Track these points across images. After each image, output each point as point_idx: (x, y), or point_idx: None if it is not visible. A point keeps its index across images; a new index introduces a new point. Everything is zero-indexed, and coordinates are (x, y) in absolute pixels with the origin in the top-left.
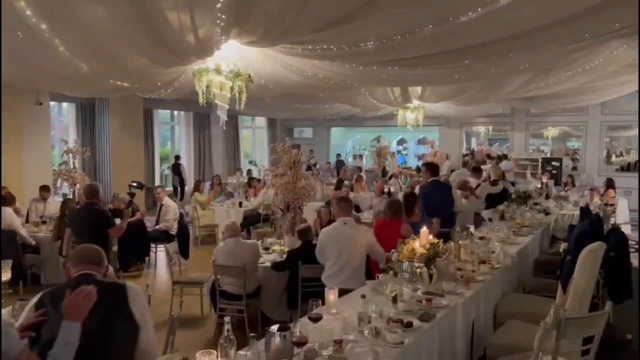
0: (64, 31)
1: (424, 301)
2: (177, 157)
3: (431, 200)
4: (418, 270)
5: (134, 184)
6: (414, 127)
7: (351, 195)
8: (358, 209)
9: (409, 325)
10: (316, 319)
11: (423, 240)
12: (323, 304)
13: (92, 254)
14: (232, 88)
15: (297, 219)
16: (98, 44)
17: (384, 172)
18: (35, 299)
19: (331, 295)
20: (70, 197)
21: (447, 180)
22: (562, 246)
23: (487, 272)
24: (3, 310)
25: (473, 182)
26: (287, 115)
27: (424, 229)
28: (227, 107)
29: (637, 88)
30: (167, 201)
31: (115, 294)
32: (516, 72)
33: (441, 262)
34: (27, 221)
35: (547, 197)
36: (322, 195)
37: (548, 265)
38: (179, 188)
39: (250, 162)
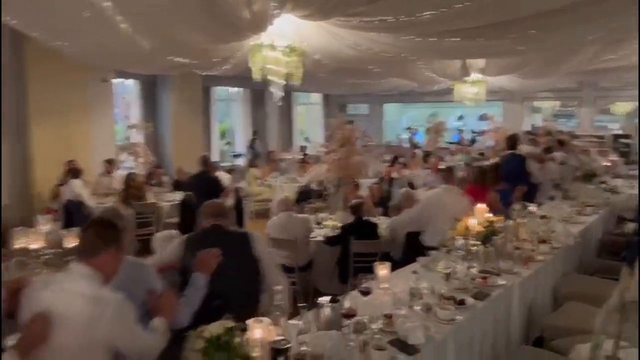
0: (125, 8)
1: (478, 279)
2: (255, 133)
3: (509, 171)
4: (474, 247)
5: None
6: (474, 102)
7: (406, 172)
8: (412, 186)
9: (462, 303)
10: (366, 293)
11: (480, 217)
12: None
13: (219, 208)
14: (286, 64)
15: (352, 195)
16: (157, 21)
17: (438, 150)
18: (181, 239)
19: (382, 270)
20: (134, 171)
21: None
22: (630, 227)
23: (547, 252)
24: None
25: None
26: (342, 91)
27: (480, 205)
28: (281, 83)
29: None
30: (222, 175)
31: (240, 240)
32: (584, 43)
33: (498, 240)
34: (94, 193)
35: (617, 175)
36: (376, 172)
37: (613, 247)
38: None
39: (305, 138)
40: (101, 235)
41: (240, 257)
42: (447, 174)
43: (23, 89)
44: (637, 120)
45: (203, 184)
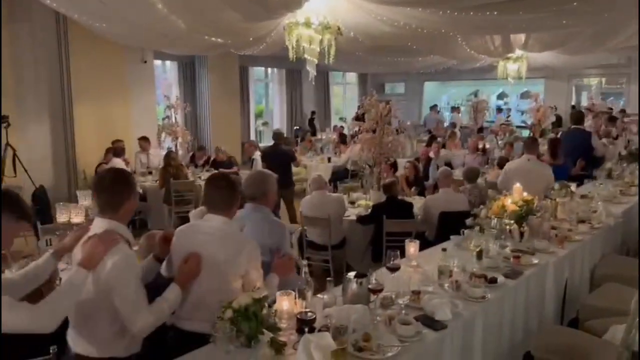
0: None
1: (511, 258)
2: (313, 112)
3: (573, 146)
4: (508, 227)
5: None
6: (515, 80)
7: (443, 152)
8: (450, 166)
9: (493, 281)
10: (394, 269)
11: (516, 197)
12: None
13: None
14: (321, 41)
15: (386, 174)
16: (192, 0)
17: (480, 129)
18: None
19: (411, 248)
20: (173, 149)
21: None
22: None
23: (585, 232)
24: None
25: None
26: (378, 70)
27: (516, 185)
28: (316, 61)
29: None
30: (257, 155)
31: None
32: (634, 15)
33: (534, 220)
34: (134, 172)
35: None
36: (413, 151)
37: None
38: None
39: (341, 118)
40: (229, 193)
41: None
42: (531, 144)
43: (67, 71)
44: None
45: (277, 155)
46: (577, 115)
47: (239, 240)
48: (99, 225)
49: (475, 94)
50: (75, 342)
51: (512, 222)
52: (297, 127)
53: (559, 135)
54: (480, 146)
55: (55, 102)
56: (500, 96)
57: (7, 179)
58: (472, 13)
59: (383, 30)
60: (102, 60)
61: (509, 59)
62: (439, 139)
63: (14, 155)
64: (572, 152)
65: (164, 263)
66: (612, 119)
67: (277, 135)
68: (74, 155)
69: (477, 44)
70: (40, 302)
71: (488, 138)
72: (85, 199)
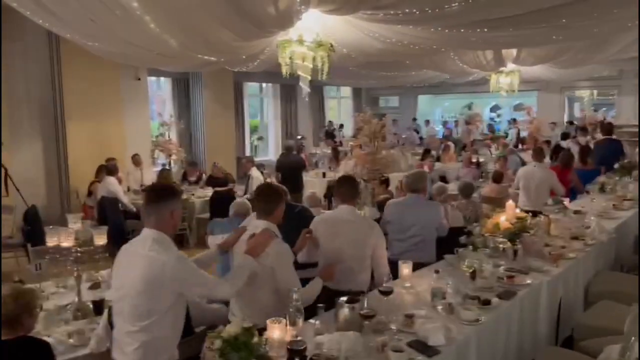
0: (153, 8)
1: (505, 278)
2: (330, 123)
3: (604, 155)
4: (501, 245)
5: None
6: (508, 93)
7: (438, 165)
8: (445, 179)
9: (487, 302)
10: (387, 293)
11: (509, 214)
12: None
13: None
14: (314, 58)
15: (380, 190)
16: (184, 19)
17: (472, 142)
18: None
19: (405, 269)
20: (167, 167)
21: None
22: None
23: (579, 249)
24: (103, 272)
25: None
26: (372, 84)
27: (509, 203)
28: (309, 78)
29: None
30: (254, 172)
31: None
32: (624, 29)
33: (527, 238)
34: (128, 190)
35: None
36: (407, 165)
37: None
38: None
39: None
40: (272, 199)
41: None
42: (538, 153)
43: (59, 89)
44: None
45: (290, 162)
46: (608, 127)
47: (369, 224)
48: (258, 224)
49: (469, 107)
50: (242, 310)
51: (505, 240)
52: (300, 137)
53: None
54: (474, 160)
55: (48, 121)
56: (494, 108)
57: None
58: (462, 30)
59: (375, 47)
60: (95, 78)
61: (501, 72)
62: (432, 152)
63: (6, 174)
64: (607, 159)
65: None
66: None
67: (288, 147)
68: (66, 174)
69: (469, 58)
70: (227, 277)
71: (481, 151)
72: (75, 223)
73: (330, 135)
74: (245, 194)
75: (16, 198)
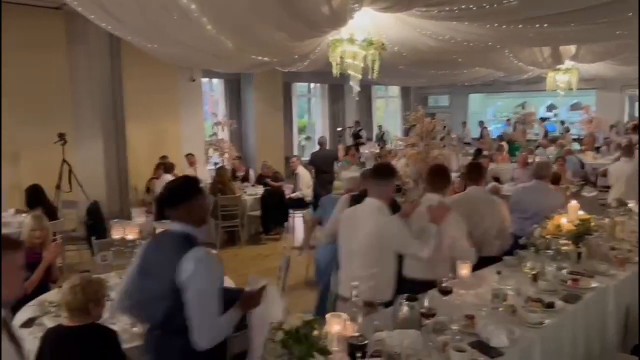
0: (210, 10)
1: (569, 281)
2: (357, 123)
3: None
4: (564, 248)
5: None
6: (565, 91)
7: (491, 166)
8: (498, 180)
9: (551, 305)
10: (446, 292)
11: (572, 215)
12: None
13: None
14: (364, 57)
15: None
16: (239, 21)
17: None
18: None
19: (464, 270)
20: (220, 165)
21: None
22: None
23: None
24: None
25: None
26: (422, 83)
27: (572, 204)
28: (360, 77)
29: None
30: (301, 170)
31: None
32: None
33: (592, 240)
34: None
35: None
36: (459, 166)
37: None
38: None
39: (380, 130)
40: (382, 182)
41: None
42: (627, 149)
43: (119, 90)
44: None
45: (324, 155)
46: None
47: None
48: (432, 198)
49: (523, 106)
50: (413, 269)
51: (568, 242)
52: (340, 128)
53: None
54: (530, 160)
55: (109, 120)
56: (549, 108)
57: (63, 193)
58: (520, 26)
59: (428, 45)
60: (153, 79)
61: (558, 70)
62: (485, 153)
63: (70, 171)
64: None
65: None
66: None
67: (321, 142)
68: (126, 171)
69: (525, 55)
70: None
71: (538, 151)
72: (139, 217)
73: (356, 136)
74: (293, 191)
75: (79, 194)
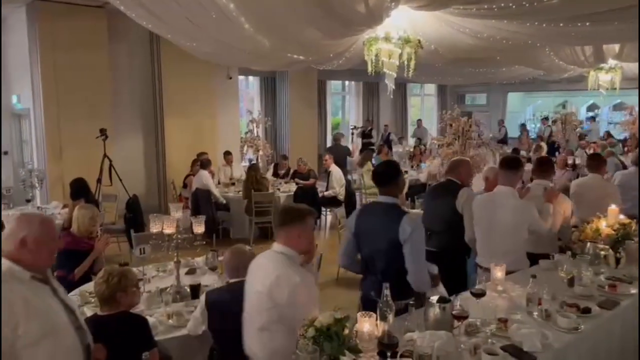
0: (248, 9)
1: (607, 287)
2: (420, 121)
3: None
4: (602, 252)
5: None
6: (608, 91)
7: (529, 167)
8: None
9: (587, 311)
10: (479, 295)
11: (611, 219)
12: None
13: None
14: (400, 55)
15: None
16: (276, 20)
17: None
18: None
19: (498, 272)
20: (255, 162)
21: None
22: None
23: None
24: (198, 259)
25: None
26: (459, 81)
27: (612, 207)
28: (395, 75)
29: None
30: (334, 168)
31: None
32: None
33: (631, 245)
34: (218, 183)
35: None
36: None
37: None
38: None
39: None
40: (510, 172)
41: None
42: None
43: (159, 87)
44: None
45: (338, 149)
46: None
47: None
48: (540, 183)
49: (564, 105)
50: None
51: (607, 247)
52: (353, 126)
53: None
54: (570, 162)
55: (148, 117)
56: (591, 108)
57: (104, 187)
58: (562, 24)
59: (465, 43)
60: (191, 77)
61: (601, 69)
62: (523, 152)
63: (111, 165)
64: None
65: None
66: None
67: (336, 137)
68: (164, 166)
69: (566, 54)
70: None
71: (578, 153)
72: (177, 212)
73: (366, 135)
74: (326, 189)
75: (119, 188)
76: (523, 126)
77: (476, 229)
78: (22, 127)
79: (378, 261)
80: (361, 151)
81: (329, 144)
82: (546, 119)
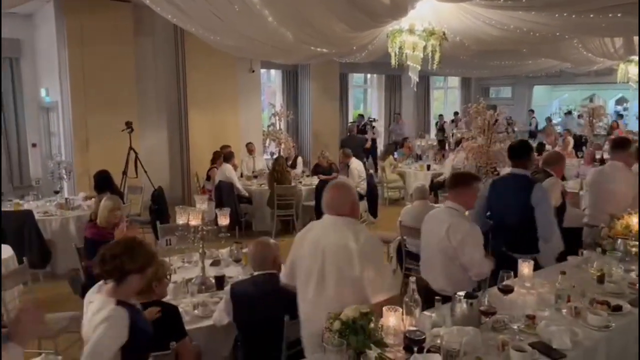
0: (271, 2)
1: (638, 284)
2: (441, 116)
3: None
4: (633, 249)
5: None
6: (637, 84)
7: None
8: (563, 177)
9: (618, 308)
10: (507, 291)
11: None
12: (515, 276)
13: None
14: (425, 48)
15: None
16: (300, 13)
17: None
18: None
19: (525, 268)
20: (280, 155)
21: None
22: None
23: None
24: (222, 250)
25: None
26: (483, 74)
27: None
28: (419, 67)
29: None
30: (354, 162)
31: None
32: None
33: None
34: (241, 175)
35: None
36: None
37: None
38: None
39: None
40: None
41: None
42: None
43: (183, 80)
44: None
45: (353, 140)
46: None
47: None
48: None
49: (591, 99)
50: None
51: (637, 243)
52: (372, 119)
53: None
54: (598, 156)
55: (172, 110)
56: (620, 101)
57: (130, 179)
58: (592, 15)
59: (491, 35)
60: (214, 70)
61: (630, 61)
62: (548, 147)
63: (136, 157)
64: None
65: None
66: None
67: (351, 127)
68: (187, 159)
69: (595, 46)
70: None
71: (606, 147)
72: (202, 204)
73: (361, 131)
74: None
75: (144, 180)
76: (549, 120)
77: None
78: (50, 120)
79: (508, 221)
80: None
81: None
82: (569, 112)
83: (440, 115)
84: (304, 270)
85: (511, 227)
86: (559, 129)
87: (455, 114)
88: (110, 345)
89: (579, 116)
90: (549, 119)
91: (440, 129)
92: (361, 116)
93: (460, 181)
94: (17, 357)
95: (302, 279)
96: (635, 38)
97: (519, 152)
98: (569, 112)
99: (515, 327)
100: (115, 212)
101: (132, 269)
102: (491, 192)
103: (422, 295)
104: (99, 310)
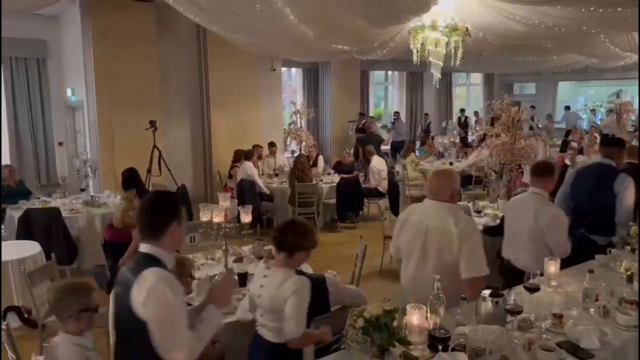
0: (293, 1)
1: None
2: (462, 110)
3: None
4: None
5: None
6: None
7: (580, 158)
8: None
9: None
10: (533, 290)
11: None
12: (541, 274)
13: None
14: (447, 44)
15: (517, 182)
16: (321, 10)
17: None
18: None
19: (552, 267)
20: (301, 153)
21: None
22: None
23: None
24: (245, 248)
25: None
26: (507, 70)
27: None
28: (441, 64)
29: None
30: (374, 159)
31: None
32: None
33: None
34: (262, 173)
35: None
36: (546, 157)
37: None
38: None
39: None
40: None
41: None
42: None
43: (205, 79)
44: None
45: (371, 138)
46: None
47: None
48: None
49: (618, 95)
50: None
51: None
52: (351, 121)
53: None
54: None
55: (195, 108)
56: None
57: (153, 177)
58: (620, 9)
59: (515, 30)
60: (236, 69)
61: None
62: (574, 144)
63: (160, 156)
64: None
65: None
66: None
67: (367, 125)
68: (210, 157)
69: (622, 40)
70: None
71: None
72: (225, 201)
73: (360, 130)
74: (364, 180)
75: (168, 178)
76: (549, 117)
77: None
78: (76, 119)
79: (590, 206)
80: (356, 149)
81: None
82: (568, 107)
83: (462, 110)
84: (405, 248)
85: (592, 212)
86: (584, 126)
87: (476, 113)
88: (306, 309)
89: (610, 111)
90: (549, 116)
91: (463, 125)
92: (362, 114)
93: (544, 169)
94: (217, 317)
95: (404, 255)
96: None
97: (611, 142)
98: (568, 107)
99: (542, 326)
100: (129, 213)
101: (304, 247)
102: (575, 179)
103: (504, 273)
104: (284, 281)
